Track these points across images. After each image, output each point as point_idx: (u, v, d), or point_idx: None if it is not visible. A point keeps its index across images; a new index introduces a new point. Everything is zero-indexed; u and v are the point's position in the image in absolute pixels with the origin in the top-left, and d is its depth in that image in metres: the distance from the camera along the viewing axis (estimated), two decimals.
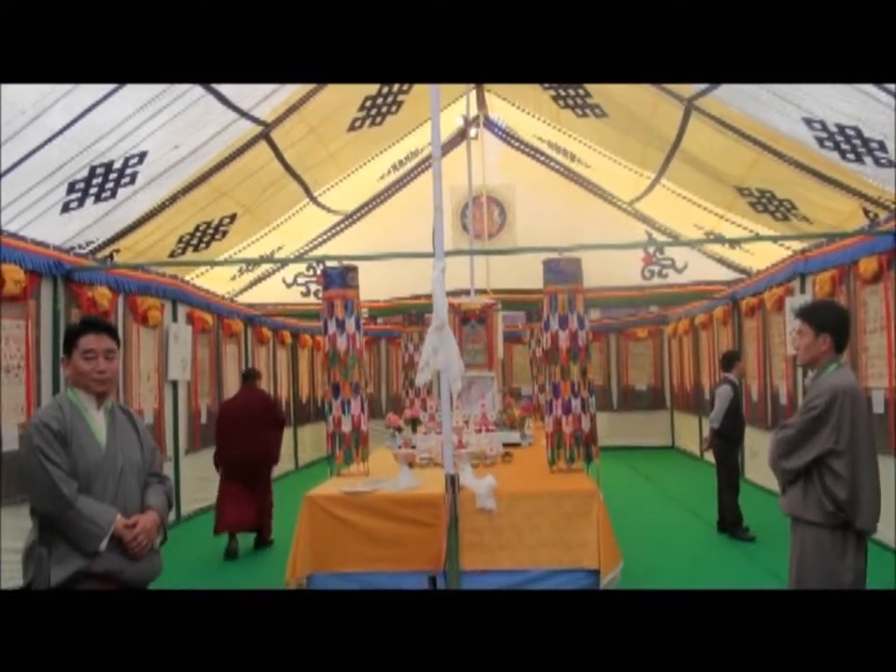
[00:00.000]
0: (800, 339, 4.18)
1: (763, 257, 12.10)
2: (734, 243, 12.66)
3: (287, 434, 12.39)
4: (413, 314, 13.33)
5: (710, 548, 8.75)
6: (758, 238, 11.16)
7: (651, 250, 14.84)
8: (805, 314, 4.20)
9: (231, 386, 12.83)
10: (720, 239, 12.82)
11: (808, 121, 7.21)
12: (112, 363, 3.50)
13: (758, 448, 11.40)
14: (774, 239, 10.69)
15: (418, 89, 10.28)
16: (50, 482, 3.26)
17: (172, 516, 3.86)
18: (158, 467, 3.73)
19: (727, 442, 9.36)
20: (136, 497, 3.51)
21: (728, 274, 14.32)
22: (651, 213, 14.36)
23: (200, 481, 11.35)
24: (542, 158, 15.10)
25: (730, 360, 9.68)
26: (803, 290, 10.18)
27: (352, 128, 10.85)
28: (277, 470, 10.46)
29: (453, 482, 5.69)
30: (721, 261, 14.41)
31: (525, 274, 12.67)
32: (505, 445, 8.25)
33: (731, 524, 9.10)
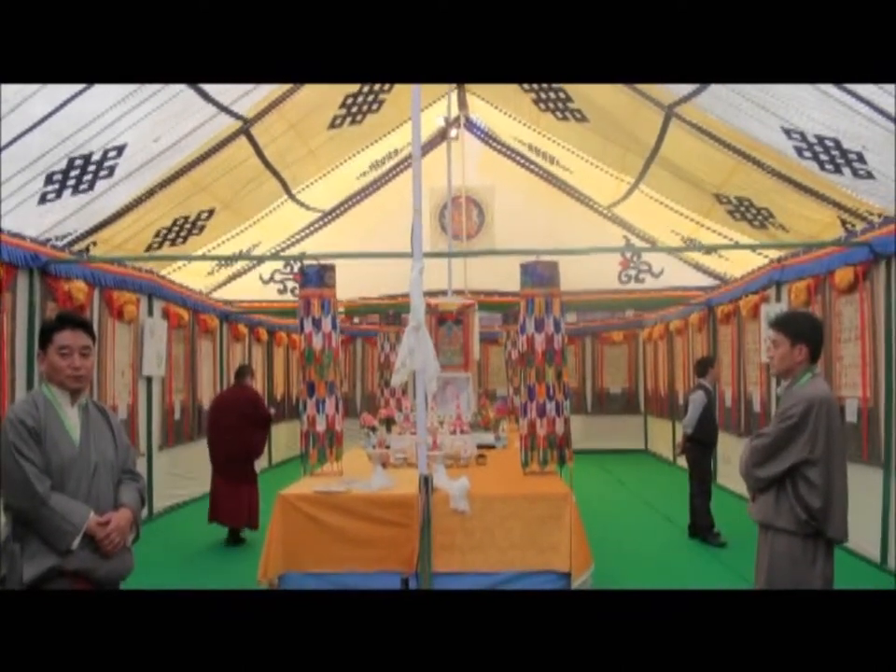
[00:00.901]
0: (775, 349, 4.20)
1: (739, 264, 12.18)
2: (711, 250, 12.73)
3: None
4: (390, 313, 13.33)
5: (682, 552, 8.79)
6: (735, 246, 11.23)
7: (629, 255, 14.92)
8: (781, 324, 4.21)
9: (206, 383, 12.78)
10: (697, 247, 12.89)
11: (788, 132, 7.26)
12: (87, 360, 3.48)
13: (730, 454, 11.47)
14: (751, 247, 10.76)
15: (399, 88, 10.27)
16: (24, 478, 3.23)
17: (144, 513, 3.84)
18: (131, 464, 3.71)
19: (700, 448, 9.41)
20: (109, 494, 3.49)
21: (704, 280, 14.41)
22: (629, 217, 14.42)
23: (173, 477, 11.31)
24: (522, 160, 15.13)
25: (704, 366, 9.72)
26: (778, 299, 10.25)
27: (332, 125, 10.83)
28: None
29: (426, 483, 5.70)
30: (698, 267, 14.49)
31: (503, 276, 12.72)
32: (479, 447, 8.24)
33: (702, 528, 9.14)
